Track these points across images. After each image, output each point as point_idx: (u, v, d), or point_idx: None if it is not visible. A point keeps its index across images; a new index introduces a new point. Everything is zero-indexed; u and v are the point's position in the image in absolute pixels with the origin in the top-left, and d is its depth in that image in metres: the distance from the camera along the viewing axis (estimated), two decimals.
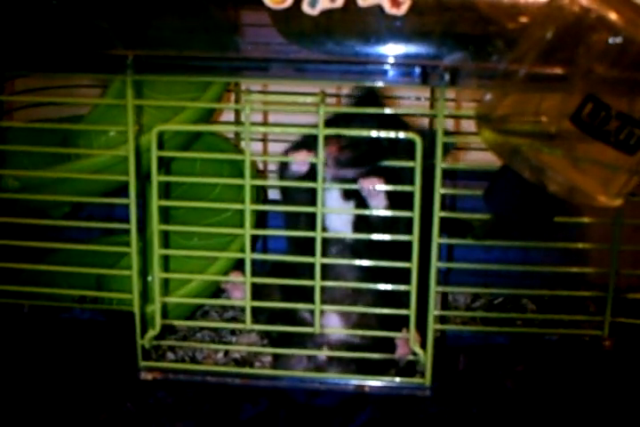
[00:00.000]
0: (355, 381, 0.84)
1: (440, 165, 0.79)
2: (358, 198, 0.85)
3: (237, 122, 1.17)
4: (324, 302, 0.83)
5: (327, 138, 0.80)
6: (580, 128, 0.66)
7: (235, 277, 0.88)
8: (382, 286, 0.83)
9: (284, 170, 0.87)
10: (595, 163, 0.69)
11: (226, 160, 1.08)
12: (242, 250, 0.84)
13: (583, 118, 0.66)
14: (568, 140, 0.68)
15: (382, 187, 0.82)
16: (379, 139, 0.80)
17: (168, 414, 0.86)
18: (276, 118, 1.18)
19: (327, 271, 0.83)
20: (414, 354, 0.84)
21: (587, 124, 0.66)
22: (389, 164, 0.82)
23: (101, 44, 0.79)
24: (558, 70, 0.68)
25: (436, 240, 0.80)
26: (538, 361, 0.85)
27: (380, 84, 0.77)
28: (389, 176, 0.82)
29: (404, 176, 0.81)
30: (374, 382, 0.84)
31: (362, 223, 0.86)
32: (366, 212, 0.84)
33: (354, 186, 0.83)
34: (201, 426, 0.86)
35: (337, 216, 0.87)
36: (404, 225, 0.81)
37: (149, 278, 0.88)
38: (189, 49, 0.80)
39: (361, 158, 0.82)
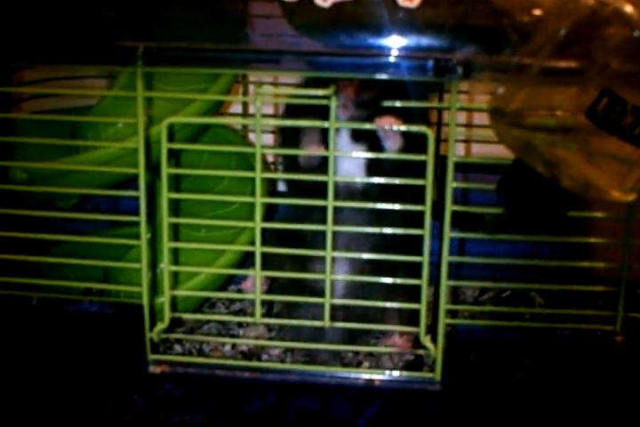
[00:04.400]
0: (365, 375, 0.84)
1: (452, 158, 0.78)
2: (369, 142, 0.84)
3: (245, 114, 1.17)
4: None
5: (340, 81, 0.80)
6: (595, 123, 0.66)
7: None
8: (395, 258, 0.83)
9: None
10: (609, 157, 0.68)
11: (233, 152, 1.08)
12: (252, 243, 0.84)
13: (598, 113, 0.65)
14: (583, 135, 0.67)
15: (398, 127, 0.81)
16: (389, 80, 0.78)
17: (175, 406, 0.86)
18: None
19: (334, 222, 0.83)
20: (424, 348, 0.84)
21: (602, 119, 0.65)
22: (402, 104, 0.81)
23: (110, 36, 0.79)
24: (573, 64, 0.68)
25: (448, 234, 0.80)
26: (548, 356, 0.85)
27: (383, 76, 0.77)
28: (402, 116, 0.81)
29: (416, 116, 0.80)
30: (384, 377, 0.84)
31: (375, 167, 0.84)
32: (381, 155, 0.83)
33: (367, 126, 0.82)
34: (208, 419, 0.85)
35: (348, 160, 0.85)
36: (416, 168, 0.80)
37: (160, 269, 0.88)
38: (198, 40, 0.79)
39: (376, 99, 0.81)
